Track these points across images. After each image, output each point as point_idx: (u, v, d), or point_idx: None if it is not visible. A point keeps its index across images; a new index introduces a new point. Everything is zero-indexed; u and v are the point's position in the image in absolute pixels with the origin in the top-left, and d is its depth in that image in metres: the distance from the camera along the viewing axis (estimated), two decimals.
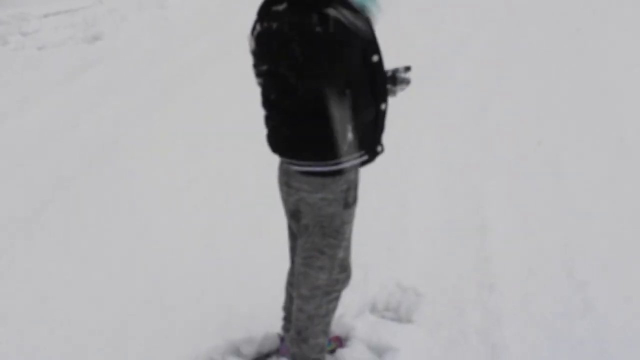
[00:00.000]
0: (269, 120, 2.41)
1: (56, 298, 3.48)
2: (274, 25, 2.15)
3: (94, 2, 9.64)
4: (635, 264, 3.42)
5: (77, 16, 9.04)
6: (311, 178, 2.34)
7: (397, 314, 3.21)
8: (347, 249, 2.57)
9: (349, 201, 2.40)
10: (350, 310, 3.17)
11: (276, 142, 2.42)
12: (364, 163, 2.37)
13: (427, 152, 4.60)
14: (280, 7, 2.17)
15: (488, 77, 5.90)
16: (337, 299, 2.62)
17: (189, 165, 4.79)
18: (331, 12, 2.10)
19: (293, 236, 2.68)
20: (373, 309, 3.25)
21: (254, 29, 2.26)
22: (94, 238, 4.00)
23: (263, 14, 2.24)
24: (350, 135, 2.24)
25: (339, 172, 2.32)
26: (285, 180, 2.46)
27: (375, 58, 2.27)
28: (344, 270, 2.60)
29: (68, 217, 4.24)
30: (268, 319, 3.08)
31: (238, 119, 5.04)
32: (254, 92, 2.39)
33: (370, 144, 2.35)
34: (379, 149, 2.40)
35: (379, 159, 2.40)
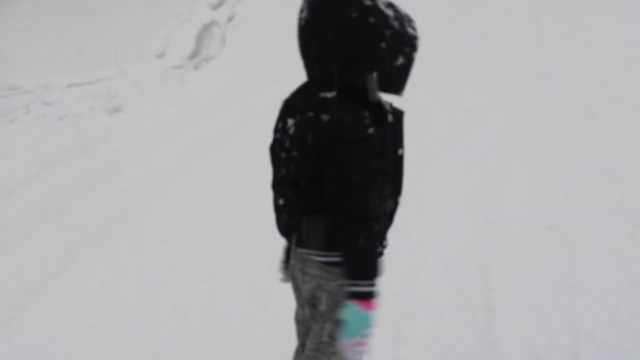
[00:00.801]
0: (284, 207, 2.38)
1: None
2: (324, 117, 2.15)
3: (116, 73, 9.82)
4: None
5: (100, 87, 9.20)
6: (331, 267, 2.32)
7: None
8: None
9: None
10: None
11: (297, 232, 2.36)
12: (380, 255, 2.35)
13: (437, 231, 4.60)
14: (329, 95, 2.18)
15: (502, 158, 5.92)
16: None
17: (200, 235, 4.82)
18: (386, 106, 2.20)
19: (300, 322, 2.68)
20: None
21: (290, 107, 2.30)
22: (102, 305, 4.02)
23: (306, 97, 2.26)
24: (376, 226, 2.22)
25: None
26: (300, 267, 2.42)
27: (400, 152, 2.33)
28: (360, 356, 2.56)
29: (77, 286, 4.27)
30: None
31: (250, 191, 5.10)
32: (268, 167, 2.41)
33: (383, 237, 2.35)
34: (385, 242, 2.39)
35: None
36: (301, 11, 2.21)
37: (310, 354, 2.50)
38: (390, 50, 2.14)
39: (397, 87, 2.22)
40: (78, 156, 6.61)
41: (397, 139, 2.32)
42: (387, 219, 2.37)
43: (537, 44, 9.55)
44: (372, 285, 2.15)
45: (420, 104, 7.47)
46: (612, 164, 5.64)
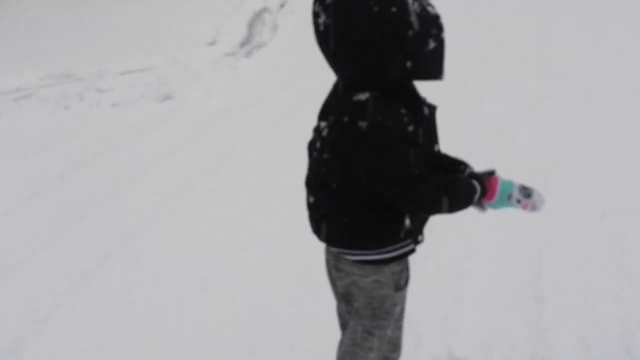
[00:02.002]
0: (315, 206, 2.40)
1: (111, 350, 3.54)
2: (362, 124, 2.12)
3: (168, 61, 9.91)
4: None
5: (152, 74, 9.31)
6: (363, 264, 2.35)
7: None
8: (399, 328, 2.56)
9: (400, 283, 2.42)
10: None
11: (326, 230, 2.38)
12: (412, 251, 2.38)
13: (487, 219, 4.53)
14: (363, 97, 2.14)
15: (553, 144, 5.84)
16: None
17: (249, 223, 4.84)
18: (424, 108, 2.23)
19: (341, 316, 2.70)
20: None
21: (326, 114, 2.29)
22: (150, 293, 4.06)
23: (340, 99, 2.25)
24: (407, 222, 2.26)
25: (392, 260, 2.34)
26: (334, 264, 2.45)
27: (436, 148, 2.35)
28: (396, 349, 2.59)
29: (127, 271, 4.33)
30: None
31: (300, 178, 5.10)
32: None
33: (419, 232, 2.37)
34: (420, 238, 2.39)
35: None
36: (316, 15, 2.14)
37: (347, 348, 2.52)
38: (418, 36, 2.05)
39: (434, 72, 2.15)
40: (129, 142, 6.69)
41: (432, 135, 2.31)
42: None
43: (591, 28, 9.39)
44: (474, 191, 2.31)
45: (471, 91, 7.42)
46: None
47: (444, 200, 2.18)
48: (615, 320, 3.47)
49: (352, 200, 2.25)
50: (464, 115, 6.65)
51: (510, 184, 2.35)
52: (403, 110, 2.11)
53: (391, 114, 2.11)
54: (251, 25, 12.45)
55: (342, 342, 2.58)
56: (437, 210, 2.23)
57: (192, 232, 4.78)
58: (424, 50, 2.08)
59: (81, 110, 8.14)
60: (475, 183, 2.29)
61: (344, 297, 2.51)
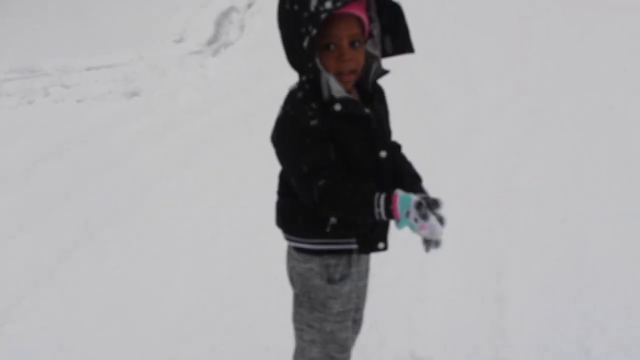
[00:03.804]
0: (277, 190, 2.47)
1: (75, 346, 3.53)
2: (280, 112, 2.26)
3: (135, 57, 9.85)
4: None
5: (118, 71, 9.24)
6: (299, 251, 2.40)
7: None
8: (345, 329, 2.51)
9: (334, 277, 2.39)
10: None
11: (276, 212, 2.48)
12: (353, 251, 2.37)
13: (451, 221, 4.57)
14: (292, 87, 2.29)
15: (517, 149, 5.90)
16: None
17: (216, 219, 4.87)
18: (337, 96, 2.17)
19: None
20: None
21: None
22: (115, 287, 4.06)
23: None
24: (333, 219, 2.27)
25: (325, 252, 2.35)
26: (287, 246, 2.51)
27: (382, 154, 2.30)
28: (343, 350, 2.54)
29: (92, 264, 4.33)
30: None
31: (267, 176, 5.10)
32: None
33: (366, 235, 2.32)
34: (380, 245, 2.36)
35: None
36: None
37: (295, 339, 2.56)
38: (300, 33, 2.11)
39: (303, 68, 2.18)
40: (95, 139, 6.65)
41: (374, 140, 2.27)
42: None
43: (555, 36, 9.49)
44: (369, 206, 2.08)
45: (438, 93, 7.48)
46: (628, 156, 5.61)
47: (331, 204, 2.13)
48: (575, 321, 3.53)
49: (287, 186, 2.32)
50: (430, 116, 6.71)
51: (407, 199, 2.03)
52: (313, 105, 2.16)
53: (297, 105, 2.18)
54: (218, 24, 12.40)
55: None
56: (328, 211, 2.21)
57: (158, 227, 4.78)
58: (301, 45, 2.12)
59: (46, 105, 8.07)
60: (376, 198, 2.07)
61: (290, 282, 2.54)
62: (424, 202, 2.01)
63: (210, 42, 11.28)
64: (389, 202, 2.04)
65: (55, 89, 8.60)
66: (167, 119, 7.19)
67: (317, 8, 2.06)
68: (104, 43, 10.38)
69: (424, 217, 2.00)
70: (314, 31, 2.06)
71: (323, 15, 2.05)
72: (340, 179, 2.13)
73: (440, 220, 2.06)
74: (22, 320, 3.76)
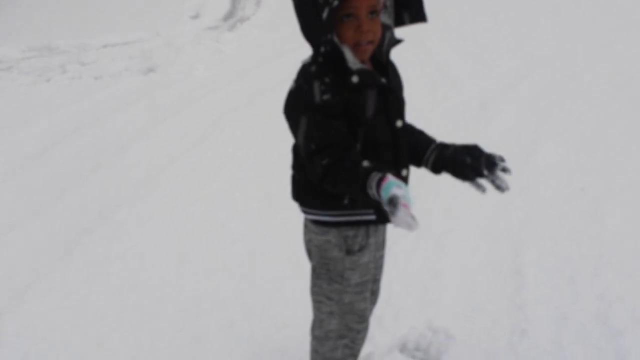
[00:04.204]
0: (292, 166, 2.45)
1: (90, 324, 3.54)
2: (292, 86, 2.25)
3: (152, 35, 9.85)
4: None
5: (135, 48, 9.27)
6: (317, 223, 2.39)
7: (427, 355, 3.18)
8: (364, 300, 2.51)
9: (353, 248, 2.38)
10: (380, 349, 3.15)
11: (291, 185, 2.46)
12: (371, 222, 2.35)
13: (468, 193, 4.57)
14: (305, 62, 2.26)
15: (535, 122, 5.87)
16: (354, 343, 2.58)
17: (232, 197, 4.85)
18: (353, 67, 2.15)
19: None
20: (403, 349, 3.21)
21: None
22: (130, 267, 4.06)
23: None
24: None
25: (343, 224, 2.34)
26: (304, 219, 2.50)
27: (398, 123, 2.29)
28: (362, 320, 2.55)
29: (109, 244, 4.33)
30: (297, 354, 3.10)
31: (283, 152, 5.09)
32: None
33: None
34: None
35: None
36: None
37: (313, 311, 2.56)
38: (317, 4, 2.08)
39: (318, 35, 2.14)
40: (112, 115, 6.67)
41: (389, 110, 2.26)
42: None
43: (569, 13, 9.40)
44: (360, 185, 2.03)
45: (454, 69, 7.44)
46: None
47: (332, 183, 2.12)
48: (593, 294, 3.50)
49: (301, 159, 2.30)
50: (447, 92, 6.68)
51: (387, 190, 1.91)
52: (327, 79, 2.13)
53: (310, 79, 2.16)
54: (234, 0, 12.39)
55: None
56: (331, 189, 2.18)
57: (174, 206, 4.78)
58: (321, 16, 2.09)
59: (63, 83, 8.10)
60: (370, 181, 2.00)
61: (307, 254, 2.55)
62: (397, 199, 1.87)
63: (227, 18, 11.29)
64: (379, 185, 1.97)
65: (72, 66, 8.64)
66: (183, 96, 7.20)
67: None
68: (120, 20, 10.42)
69: (392, 212, 1.88)
70: (336, 2, 2.04)
71: None
72: (343, 158, 2.09)
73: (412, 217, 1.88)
74: (38, 300, 3.77)
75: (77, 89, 7.78)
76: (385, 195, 1.90)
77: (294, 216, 2.50)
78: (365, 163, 2.06)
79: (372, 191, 1.97)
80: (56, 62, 8.79)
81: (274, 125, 5.85)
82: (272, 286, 3.76)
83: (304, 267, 2.69)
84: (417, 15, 2.25)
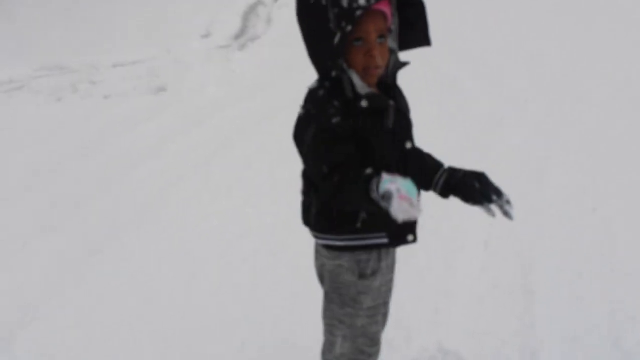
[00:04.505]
0: (302, 191, 2.45)
1: (100, 343, 3.54)
2: (300, 112, 2.26)
3: (161, 53, 9.89)
4: None
5: (144, 67, 9.30)
6: (328, 248, 2.39)
7: None
8: (376, 323, 2.52)
9: (365, 272, 2.38)
10: None
11: (302, 210, 2.46)
12: (383, 246, 2.35)
13: (478, 213, 4.56)
14: (311, 87, 2.27)
15: (545, 141, 5.86)
16: None
17: (242, 216, 4.84)
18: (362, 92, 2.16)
19: None
20: None
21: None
22: (141, 286, 4.06)
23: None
24: (363, 214, 2.25)
25: (356, 248, 2.33)
26: (315, 244, 2.50)
27: (408, 145, 2.31)
28: (374, 344, 2.54)
29: (119, 262, 4.33)
30: None
31: (294, 171, 5.09)
32: None
33: (396, 228, 2.26)
34: (409, 238, 2.37)
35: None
36: None
37: (325, 335, 2.56)
38: (328, 29, 2.09)
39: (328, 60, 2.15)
40: (122, 135, 6.69)
41: (398, 132, 2.27)
42: None
43: (577, 34, 9.40)
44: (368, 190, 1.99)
45: (464, 87, 7.44)
46: None
47: (341, 198, 2.11)
48: (604, 315, 3.49)
49: (312, 184, 2.31)
50: (456, 111, 6.67)
51: (382, 186, 1.91)
52: (336, 103, 2.14)
53: (319, 103, 2.16)
54: (245, 18, 12.43)
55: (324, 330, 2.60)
56: (341, 206, 2.19)
57: (184, 225, 4.78)
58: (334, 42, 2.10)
59: (74, 102, 8.14)
60: (371, 184, 1.98)
61: (319, 280, 2.56)
62: (389, 193, 1.87)
63: (238, 36, 11.31)
64: (378, 187, 1.95)
65: (83, 85, 8.69)
66: (194, 115, 7.21)
67: (350, 5, 2.05)
68: (130, 39, 10.46)
69: (388, 207, 1.87)
70: (349, 27, 2.06)
71: (359, 12, 2.05)
72: (350, 173, 2.09)
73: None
74: (48, 319, 3.77)
75: (88, 108, 7.82)
76: (380, 193, 1.91)
77: (305, 236, 2.50)
78: (368, 171, 2.05)
79: (375, 194, 1.95)
80: (67, 82, 8.83)
81: (286, 145, 5.85)
82: (282, 306, 3.75)
83: (314, 287, 2.69)
84: (422, 39, 2.28)
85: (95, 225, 4.84)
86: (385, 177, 1.92)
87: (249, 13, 12.75)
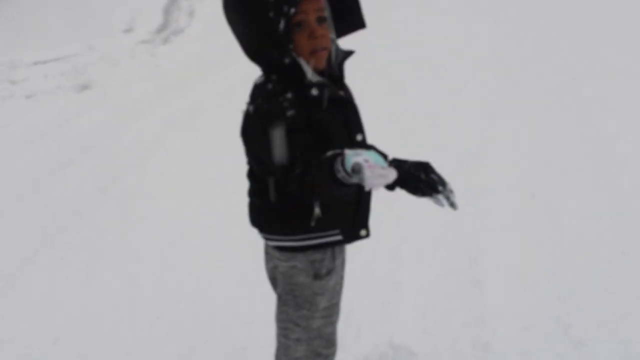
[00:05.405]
0: (248, 191, 2.37)
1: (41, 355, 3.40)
2: (250, 108, 2.14)
3: (84, 49, 9.62)
4: (633, 320, 3.33)
5: (67, 64, 9.02)
6: (282, 249, 2.30)
7: None
8: (331, 324, 2.47)
9: (320, 272, 2.30)
10: None
11: (249, 212, 2.37)
12: (337, 243, 2.29)
13: (420, 203, 4.52)
14: (257, 81, 2.19)
15: (481, 128, 5.86)
16: None
17: (179, 217, 4.72)
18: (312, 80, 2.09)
19: None
20: None
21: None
22: (78, 291, 3.93)
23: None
24: (317, 211, 2.16)
25: (309, 248, 2.26)
26: (264, 246, 2.42)
27: (359, 137, 2.25)
28: (330, 345, 2.49)
29: (55, 268, 4.18)
30: None
31: (227, 166, 5.00)
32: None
33: (349, 224, 2.27)
34: (362, 232, 2.32)
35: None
36: None
37: (279, 339, 2.47)
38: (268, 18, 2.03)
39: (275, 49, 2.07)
40: (48, 136, 6.46)
41: (349, 123, 2.22)
42: (353, 206, 2.27)
43: (514, 12, 9.48)
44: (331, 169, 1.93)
45: (399, 74, 7.42)
46: (594, 131, 5.59)
47: (308, 188, 2.02)
48: (554, 300, 3.49)
49: (261, 184, 2.22)
50: (390, 100, 6.63)
51: (348, 162, 1.85)
52: (288, 95, 2.07)
53: (270, 97, 2.08)
54: (167, 11, 12.20)
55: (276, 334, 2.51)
56: (311, 197, 2.12)
57: (120, 228, 4.63)
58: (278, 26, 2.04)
59: None
60: (335, 164, 1.90)
61: (271, 283, 2.47)
62: (358, 165, 1.81)
63: (160, 30, 11.08)
64: (343, 165, 1.88)
65: (2, 85, 8.36)
66: (122, 113, 7.03)
67: None
68: (51, 36, 10.15)
69: (361, 179, 1.81)
70: (292, 10, 2.01)
71: None
72: (311, 162, 2.00)
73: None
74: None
75: (9, 108, 7.53)
76: (349, 169, 1.84)
77: (245, 235, 2.41)
78: (328, 153, 1.96)
79: (341, 174, 1.87)
80: None
81: (216, 139, 5.75)
82: (228, 308, 3.66)
83: (262, 288, 2.61)
84: (356, 22, 2.22)
85: (27, 232, 4.65)
86: (348, 152, 1.86)
87: (171, 6, 12.51)
